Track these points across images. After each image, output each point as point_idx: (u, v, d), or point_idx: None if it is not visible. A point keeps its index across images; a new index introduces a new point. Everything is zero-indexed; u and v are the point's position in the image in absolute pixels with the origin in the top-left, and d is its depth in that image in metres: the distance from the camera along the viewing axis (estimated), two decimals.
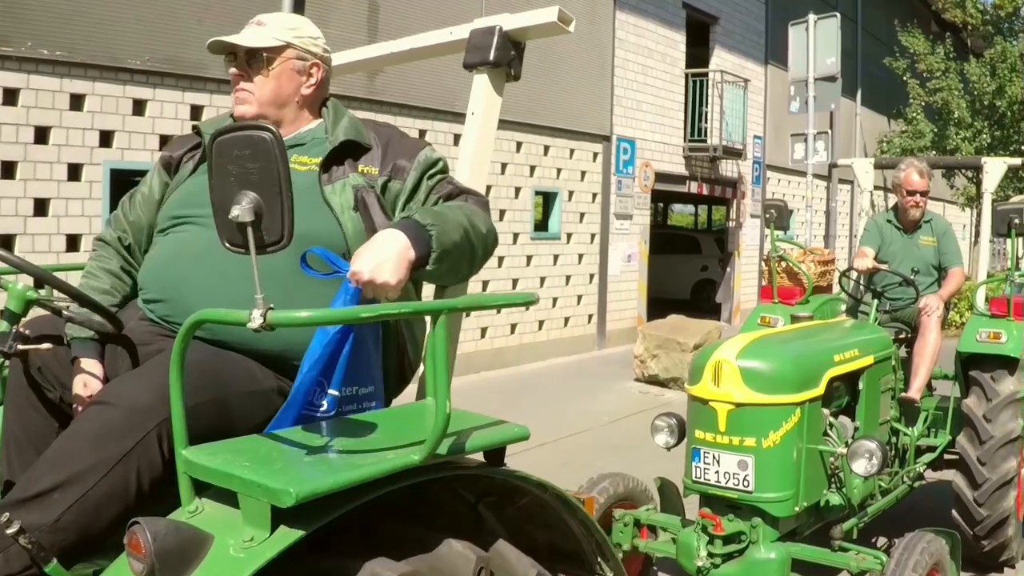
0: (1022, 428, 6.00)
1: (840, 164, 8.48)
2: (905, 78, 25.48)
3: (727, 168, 19.73)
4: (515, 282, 14.27)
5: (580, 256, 15.70)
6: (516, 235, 14.27)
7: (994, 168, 7.25)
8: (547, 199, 15.35)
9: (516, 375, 13.70)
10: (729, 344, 4.60)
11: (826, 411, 4.88)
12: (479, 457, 2.49)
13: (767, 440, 4.34)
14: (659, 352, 12.62)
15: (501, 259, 13.96)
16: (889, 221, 6.80)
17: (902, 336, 6.48)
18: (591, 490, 4.87)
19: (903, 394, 6.09)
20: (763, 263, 7.34)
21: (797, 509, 4.45)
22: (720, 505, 4.47)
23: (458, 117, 12.90)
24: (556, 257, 15.16)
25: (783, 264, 7.17)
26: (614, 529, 4.85)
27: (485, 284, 13.69)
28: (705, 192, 19.27)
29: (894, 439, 6.03)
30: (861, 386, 5.32)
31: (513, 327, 14.32)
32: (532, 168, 14.57)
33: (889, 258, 6.63)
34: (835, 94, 14.50)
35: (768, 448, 4.34)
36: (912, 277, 6.41)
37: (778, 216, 6.89)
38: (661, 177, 17.58)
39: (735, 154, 19.07)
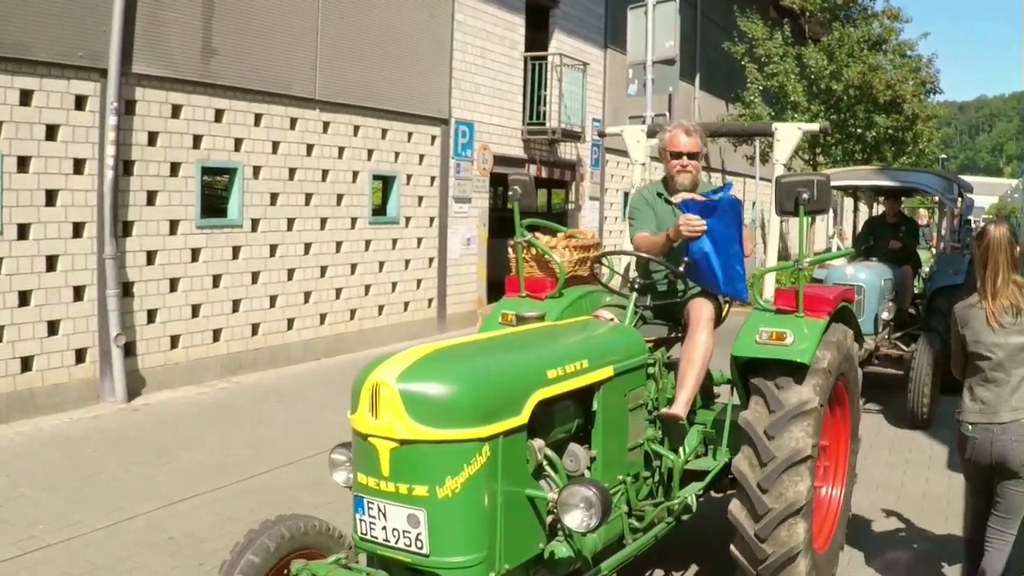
0: (813, 447, 4.83)
1: (609, 133, 7.79)
2: (743, 63, 26.18)
3: (566, 151, 19.95)
4: (354, 267, 14.14)
5: (419, 240, 15.66)
6: (354, 220, 14.12)
7: (787, 134, 6.10)
8: (385, 183, 15.24)
9: (358, 361, 13.44)
10: (392, 361, 3.58)
11: (539, 443, 3.87)
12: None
13: (443, 488, 3.40)
14: None
15: (339, 244, 13.82)
16: (660, 195, 5.61)
17: (673, 336, 5.50)
18: (261, 535, 3.77)
19: (663, 410, 5.00)
20: (509, 249, 5.96)
21: (494, 575, 3.55)
22: (399, 568, 3.58)
23: (295, 100, 12.76)
24: (395, 241, 15.08)
25: (531, 250, 5.95)
26: None
27: (324, 270, 13.54)
28: (544, 175, 19.46)
29: (657, 463, 4.97)
30: (597, 405, 4.30)
31: (353, 313, 14.20)
32: (370, 152, 14.43)
33: None
34: (673, 77, 14.75)
35: (445, 498, 3.40)
36: (680, 269, 5.25)
37: (524, 193, 5.62)
38: (500, 160, 17.64)
39: (574, 137, 19.28)
